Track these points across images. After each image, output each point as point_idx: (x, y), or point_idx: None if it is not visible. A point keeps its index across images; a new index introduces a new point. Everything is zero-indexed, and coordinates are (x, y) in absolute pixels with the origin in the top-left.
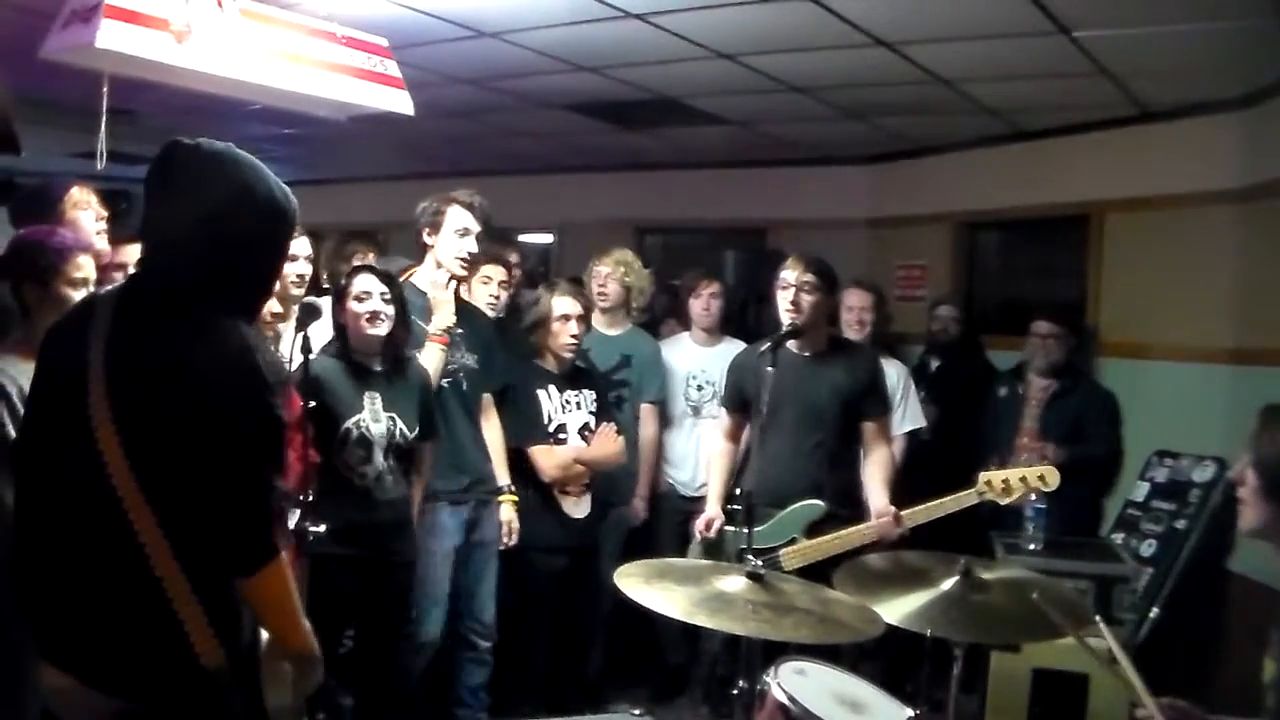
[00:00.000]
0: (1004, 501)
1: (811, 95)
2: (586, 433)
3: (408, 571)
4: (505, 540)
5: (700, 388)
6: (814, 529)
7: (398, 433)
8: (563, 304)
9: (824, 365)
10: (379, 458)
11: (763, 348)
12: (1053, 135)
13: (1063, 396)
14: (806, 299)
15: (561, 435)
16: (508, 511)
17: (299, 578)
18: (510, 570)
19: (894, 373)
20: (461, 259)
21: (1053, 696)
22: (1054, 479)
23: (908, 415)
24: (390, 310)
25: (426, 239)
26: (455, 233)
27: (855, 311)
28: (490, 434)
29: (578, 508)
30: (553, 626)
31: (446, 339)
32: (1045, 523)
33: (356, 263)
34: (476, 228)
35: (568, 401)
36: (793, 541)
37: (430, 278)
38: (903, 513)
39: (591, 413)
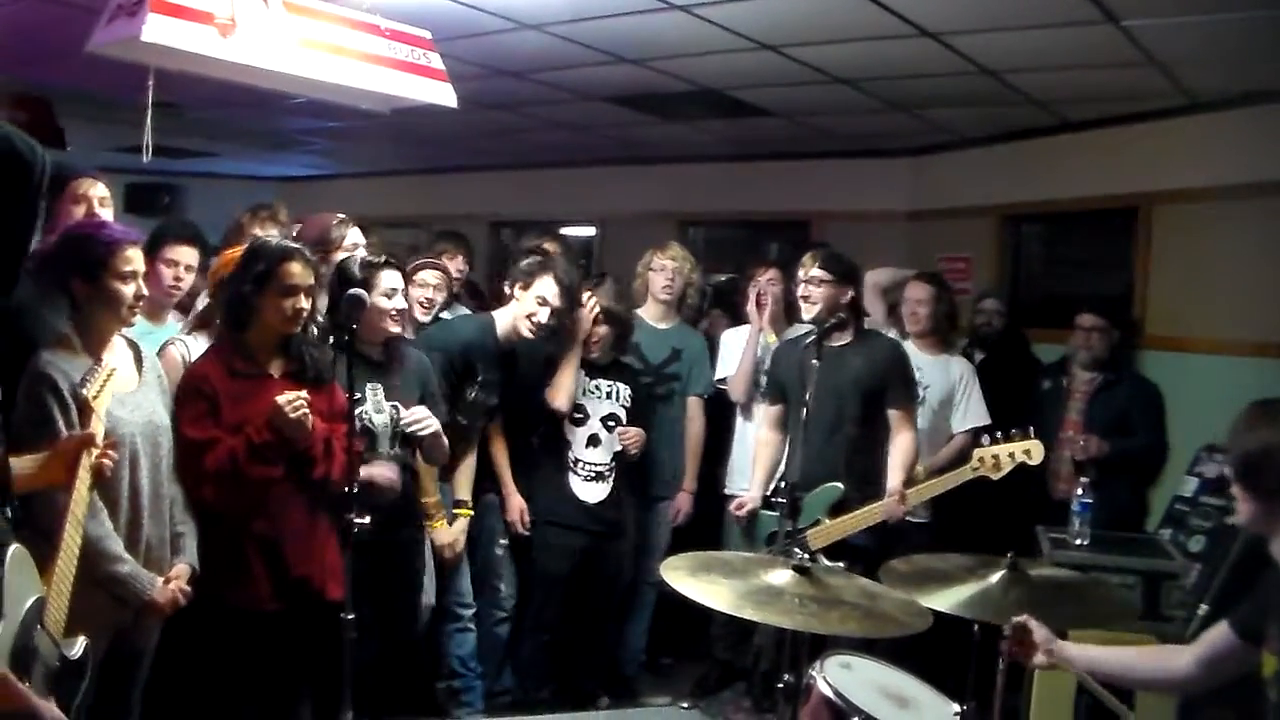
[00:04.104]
0: (995, 476)
1: (855, 87)
2: (611, 422)
3: (413, 550)
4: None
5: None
6: (837, 511)
7: (400, 421)
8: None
9: (848, 355)
10: (383, 448)
11: (806, 341)
12: (1099, 126)
13: (1107, 389)
14: (816, 292)
15: (579, 415)
16: (456, 527)
17: (344, 569)
18: (527, 547)
19: (957, 369)
20: (529, 322)
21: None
22: (1038, 453)
23: (969, 413)
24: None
25: (515, 291)
26: (537, 299)
27: (911, 304)
28: (469, 456)
29: (590, 491)
30: (571, 610)
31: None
32: (1092, 517)
33: (446, 261)
34: (556, 303)
35: (596, 388)
36: (818, 523)
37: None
38: (907, 491)
39: (625, 407)
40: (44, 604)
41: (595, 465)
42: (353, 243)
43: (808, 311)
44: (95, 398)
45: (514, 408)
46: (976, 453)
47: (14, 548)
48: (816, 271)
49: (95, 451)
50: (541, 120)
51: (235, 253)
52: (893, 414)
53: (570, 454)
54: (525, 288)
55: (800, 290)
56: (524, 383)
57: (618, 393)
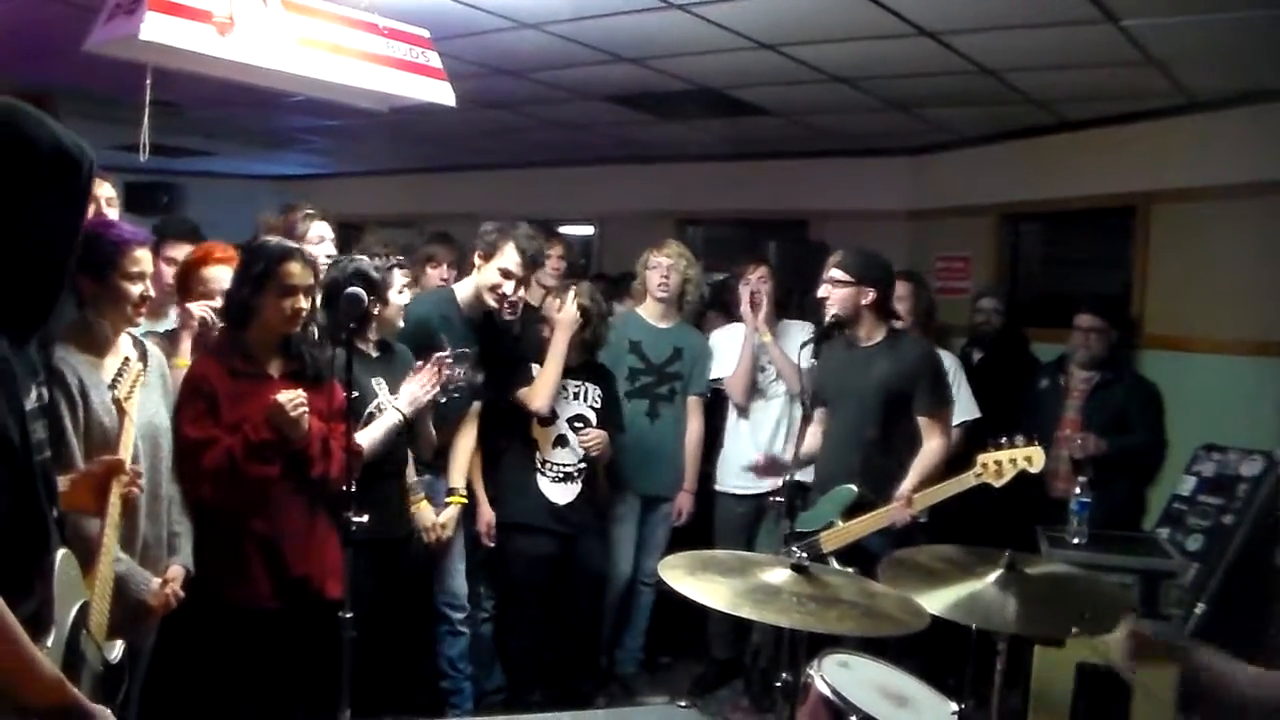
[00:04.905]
0: (997, 483)
1: (854, 86)
2: (578, 424)
3: (409, 544)
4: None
5: (762, 369)
6: (853, 513)
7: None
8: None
9: (874, 356)
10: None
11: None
12: (1098, 125)
13: (1105, 388)
14: (835, 293)
15: (546, 415)
16: (447, 513)
17: (343, 568)
18: (498, 553)
19: (945, 363)
20: (494, 295)
21: (1096, 692)
22: (1039, 460)
23: (959, 407)
24: None
25: (476, 260)
26: (499, 270)
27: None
28: (463, 439)
29: (558, 492)
30: (553, 614)
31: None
32: (1090, 516)
33: (430, 270)
34: (520, 273)
35: (564, 387)
36: (831, 525)
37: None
38: (914, 496)
39: (593, 409)
40: (88, 608)
41: (563, 466)
42: (318, 235)
43: (826, 313)
44: (127, 398)
45: (491, 413)
46: (979, 458)
47: (61, 552)
48: (834, 272)
49: (125, 479)
50: (540, 119)
51: (198, 252)
52: (921, 420)
53: (538, 454)
54: (486, 258)
55: (820, 290)
56: (508, 366)
57: (586, 394)
